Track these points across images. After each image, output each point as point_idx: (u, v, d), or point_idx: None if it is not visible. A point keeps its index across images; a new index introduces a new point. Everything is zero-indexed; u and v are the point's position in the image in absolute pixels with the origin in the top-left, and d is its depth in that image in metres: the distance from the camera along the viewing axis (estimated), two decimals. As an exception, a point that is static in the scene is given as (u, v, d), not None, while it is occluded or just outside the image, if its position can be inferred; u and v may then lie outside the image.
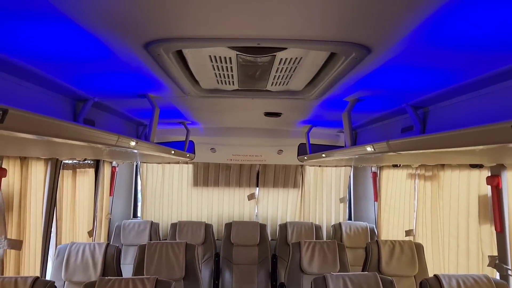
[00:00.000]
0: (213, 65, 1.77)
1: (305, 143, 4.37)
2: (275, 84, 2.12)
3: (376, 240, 3.50)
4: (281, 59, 1.65)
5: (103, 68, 1.76)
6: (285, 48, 1.49)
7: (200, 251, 4.52)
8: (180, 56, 1.66)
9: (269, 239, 4.88)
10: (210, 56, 1.64)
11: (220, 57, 1.65)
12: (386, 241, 3.46)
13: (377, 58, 1.51)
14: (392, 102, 2.44)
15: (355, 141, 3.89)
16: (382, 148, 1.99)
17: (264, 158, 5.13)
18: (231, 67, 1.79)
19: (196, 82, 2.12)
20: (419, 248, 3.42)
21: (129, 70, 1.80)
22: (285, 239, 4.74)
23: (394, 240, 3.46)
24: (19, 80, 1.78)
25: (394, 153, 1.95)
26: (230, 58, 1.65)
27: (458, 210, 3.14)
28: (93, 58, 1.58)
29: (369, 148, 2.14)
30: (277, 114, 3.26)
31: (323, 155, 3.28)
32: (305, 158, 4.22)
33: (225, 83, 2.12)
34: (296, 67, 1.78)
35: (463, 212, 3.08)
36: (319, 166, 5.38)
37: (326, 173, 5.43)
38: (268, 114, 3.26)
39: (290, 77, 1.97)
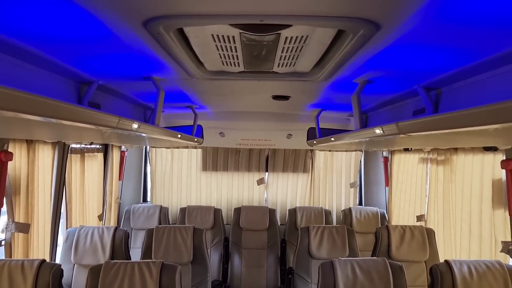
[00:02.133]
0: (216, 45, 1.72)
1: (314, 128, 4.30)
2: (282, 65, 2.06)
3: (386, 225, 3.45)
4: (286, 37, 1.59)
5: (106, 49, 1.73)
6: (290, 26, 1.43)
7: (209, 235, 4.53)
8: (182, 36, 1.61)
9: (279, 224, 4.87)
10: (212, 35, 1.58)
11: (223, 36, 1.59)
12: (396, 226, 3.41)
13: (386, 35, 1.44)
14: (403, 84, 2.36)
15: (366, 124, 3.81)
16: (391, 130, 1.92)
17: (274, 142, 5.07)
18: (235, 47, 1.73)
19: (201, 63, 2.08)
20: (430, 233, 3.36)
21: (131, 51, 1.77)
22: (294, 224, 4.72)
23: (405, 225, 3.41)
24: (22, 63, 1.76)
25: (405, 135, 1.88)
26: (233, 37, 1.59)
27: (471, 195, 3.06)
28: (95, 38, 1.54)
29: (378, 131, 2.08)
30: (285, 97, 3.20)
31: (332, 139, 3.22)
32: (314, 142, 4.17)
33: (230, 64, 2.06)
34: (302, 46, 1.71)
35: (476, 197, 3.00)
36: (329, 150, 5.32)
37: (336, 158, 5.37)
38: (276, 97, 3.20)
39: (296, 58, 1.91)
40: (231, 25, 1.43)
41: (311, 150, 5.30)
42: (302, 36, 1.58)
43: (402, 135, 1.90)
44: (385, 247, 3.36)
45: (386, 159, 4.90)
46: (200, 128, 4.89)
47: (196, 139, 4.20)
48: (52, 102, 1.22)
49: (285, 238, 4.70)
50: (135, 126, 1.98)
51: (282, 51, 1.79)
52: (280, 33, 1.54)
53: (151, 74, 2.29)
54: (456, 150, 3.28)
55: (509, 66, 1.64)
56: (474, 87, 1.96)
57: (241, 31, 1.51)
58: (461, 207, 3.20)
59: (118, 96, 2.92)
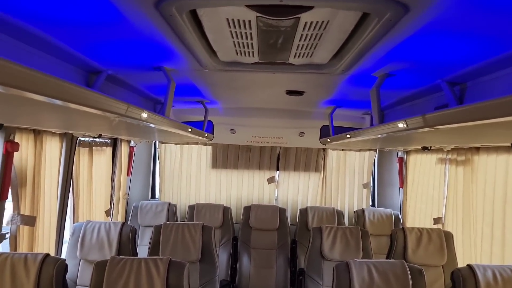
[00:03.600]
0: (231, 31, 1.63)
1: (328, 125, 4.20)
2: (298, 56, 1.97)
3: (402, 227, 3.33)
4: (306, 22, 1.49)
5: (116, 35, 1.66)
6: (311, 8, 1.33)
7: (218, 234, 4.45)
8: (195, 20, 1.52)
9: (289, 224, 4.76)
10: (227, 19, 1.49)
11: (238, 21, 1.50)
12: (413, 228, 3.28)
13: (414, 20, 1.34)
14: (425, 78, 2.25)
15: (383, 122, 3.71)
16: (416, 123, 1.81)
17: (285, 140, 4.97)
18: (251, 34, 1.64)
19: (214, 52, 1.99)
20: (448, 236, 3.23)
21: (142, 38, 1.70)
22: (305, 224, 4.61)
23: (422, 228, 3.28)
24: (27, 47, 1.70)
25: (430, 129, 1.76)
26: (249, 21, 1.50)
27: (493, 197, 2.93)
28: (105, 22, 1.48)
29: (401, 125, 1.96)
30: (299, 93, 3.10)
31: (348, 136, 3.11)
32: (328, 140, 4.06)
33: (245, 54, 1.98)
34: (322, 33, 1.61)
35: (499, 198, 2.87)
36: (342, 150, 5.21)
37: (349, 158, 5.26)
38: (289, 92, 3.11)
39: (315, 47, 1.81)
40: (248, 6, 1.34)
41: (324, 149, 5.18)
42: (323, 22, 1.48)
43: (426, 129, 1.79)
44: (400, 249, 3.24)
45: (401, 160, 4.77)
46: (210, 124, 4.81)
47: (206, 135, 4.12)
48: (61, 83, 1.16)
49: (295, 238, 4.60)
50: (144, 115, 1.90)
51: (300, 39, 1.69)
52: (299, 18, 1.44)
53: (162, 64, 2.22)
54: (478, 150, 3.15)
55: None
56: (501, 82, 1.85)
57: (258, 14, 1.42)
58: (483, 209, 3.06)
59: (127, 87, 2.85)
